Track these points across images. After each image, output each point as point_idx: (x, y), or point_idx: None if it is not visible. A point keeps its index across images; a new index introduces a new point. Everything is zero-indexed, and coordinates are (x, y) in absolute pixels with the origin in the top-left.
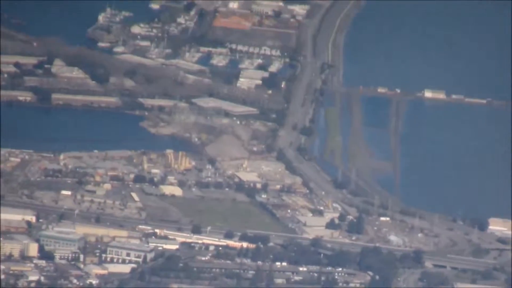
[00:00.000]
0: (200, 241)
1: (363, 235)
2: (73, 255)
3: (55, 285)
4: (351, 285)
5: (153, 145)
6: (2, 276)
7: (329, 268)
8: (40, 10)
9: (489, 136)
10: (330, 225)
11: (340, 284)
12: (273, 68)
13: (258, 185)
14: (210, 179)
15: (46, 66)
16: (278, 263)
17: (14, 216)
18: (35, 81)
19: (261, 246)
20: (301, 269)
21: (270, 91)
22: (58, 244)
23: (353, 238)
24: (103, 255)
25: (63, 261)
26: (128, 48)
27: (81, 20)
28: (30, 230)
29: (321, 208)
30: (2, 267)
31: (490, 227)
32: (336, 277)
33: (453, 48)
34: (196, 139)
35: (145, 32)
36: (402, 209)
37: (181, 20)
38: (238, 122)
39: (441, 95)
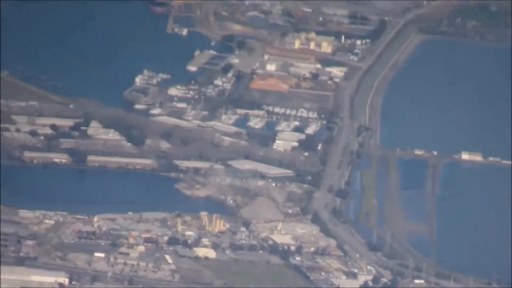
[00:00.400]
0: None
1: None
2: None
3: None
4: None
5: (187, 207)
6: None
7: None
8: (77, 72)
9: None
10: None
11: None
12: (310, 130)
13: (292, 248)
14: (244, 241)
15: (82, 128)
16: None
17: (47, 278)
18: (71, 143)
19: None
20: None
21: (306, 153)
22: None
23: None
24: None
25: None
26: (165, 110)
27: (118, 82)
28: None
29: (355, 270)
30: None
31: None
32: None
33: (491, 110)
34: (231, 201)
35: (182, 94)
36: (437, 272)
37: (218, 82)
38: (274, 184)
39: (478, 157)
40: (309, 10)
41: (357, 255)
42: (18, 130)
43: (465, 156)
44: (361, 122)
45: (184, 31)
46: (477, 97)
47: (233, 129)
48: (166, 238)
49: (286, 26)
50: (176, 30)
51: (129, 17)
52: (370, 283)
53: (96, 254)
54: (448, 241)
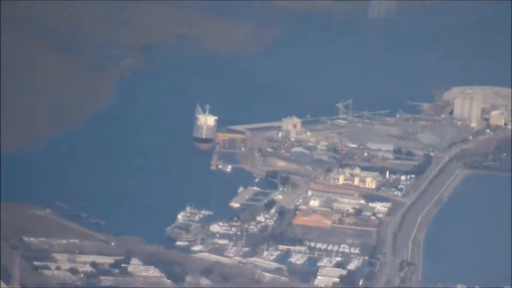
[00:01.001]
0: None
1: None
2: None
3: None
4: None
5: None
6: None
7: None
8: (119, 209)
9: None
10: None
11: None
12: (352, 266)
13: None
14: None
15: (122, 265)
16: None
17: None
18: (111, 280)
19: None
20: None
21: None
22: None
23: None
24: None
25: None
26: (206, 246)
27: (160, 219)
28: None
29: None
30: None
31: None
32: None
33: None
34: None
35: (224, 230)
36: None
37: (261, 218)
38: None
39: None
40: (354, 145)
41: None
42: (58, 268)
43: None
44: (403, 257)
45: (228, 168)
46: None
47: (274, 265)
48: None
49: (331, 161)
50: (220, 166)
51: (173, 154)
52: None
53: None
54: None
